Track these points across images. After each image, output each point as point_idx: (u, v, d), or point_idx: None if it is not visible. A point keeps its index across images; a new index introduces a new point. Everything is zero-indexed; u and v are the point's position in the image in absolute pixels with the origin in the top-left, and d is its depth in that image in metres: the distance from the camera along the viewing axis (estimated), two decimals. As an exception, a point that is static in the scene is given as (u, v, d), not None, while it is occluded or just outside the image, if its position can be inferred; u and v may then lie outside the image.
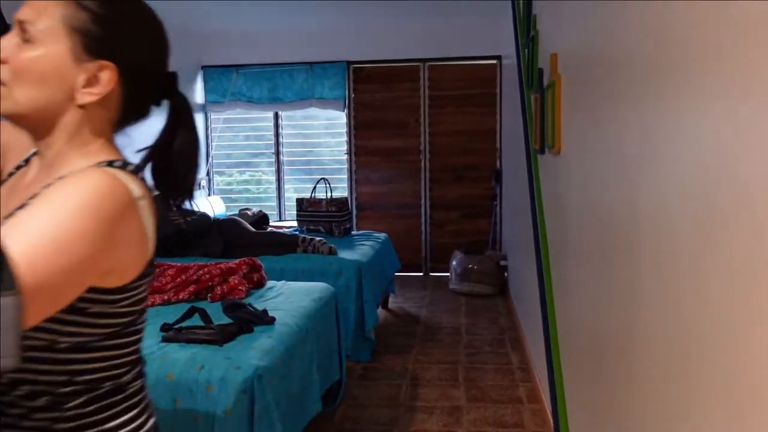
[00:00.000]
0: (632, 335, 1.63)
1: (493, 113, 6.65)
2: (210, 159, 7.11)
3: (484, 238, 6.73)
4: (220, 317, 2.77)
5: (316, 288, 3.42)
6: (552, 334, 2.99)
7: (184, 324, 2.65)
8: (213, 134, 7.10)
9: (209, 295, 3.19)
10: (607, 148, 1.93)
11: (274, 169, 7.05)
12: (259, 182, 7.34)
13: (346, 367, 3.58)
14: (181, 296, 3.17)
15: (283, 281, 3.58)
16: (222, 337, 2.45)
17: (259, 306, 3.00)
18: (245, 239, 4.60)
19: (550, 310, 3.05)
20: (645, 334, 1.52)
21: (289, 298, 3.18)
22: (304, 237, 4.54)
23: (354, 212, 6.91)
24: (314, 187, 5.41)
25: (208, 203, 6.60)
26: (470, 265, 5.91)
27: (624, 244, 1.71)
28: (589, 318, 2.19)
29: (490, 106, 6.66)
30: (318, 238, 4.52)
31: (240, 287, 3.23)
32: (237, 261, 3.46)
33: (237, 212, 5.62)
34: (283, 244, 4.53)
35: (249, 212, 5.40)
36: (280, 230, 5.33)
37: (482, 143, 6.70)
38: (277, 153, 7.00)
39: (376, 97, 6.79)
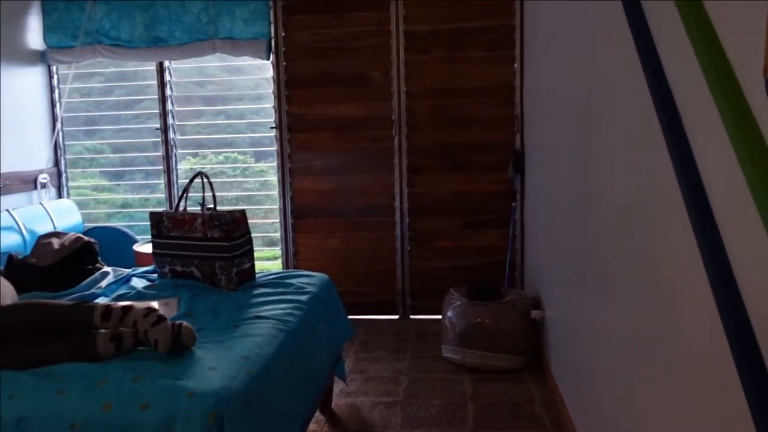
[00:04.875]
0: None
1: (508, 59, 4.09)
2: (56, 135, 4.47)
3: (497, 261, 4.20)
4: None
5: None
6: None
7: None
8: (61, 98, 4.46)
9: None
10: None
11: (160, 154, 4.44)
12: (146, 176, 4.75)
13: None
14: None
15: None
16: None
17: None
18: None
19: None
20: None
21: None
22: (108, 306, 1.96)
23: (288, 222, 4.34)
24: (184, 190, 2.83)
25: (46, 213, 4.00)
26: (478, 319, 3.37)
27: None
28: None
29: (504, 47, 4.09)
30: (149, 310, 1.93)
31: None
32: None
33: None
34: (60, 328, 1.95)
35: (55, 241, 2.80)
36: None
37: (491, 108, 4.14)
38: (165, 128, 4.38)
39: (322, 36, 4.20)
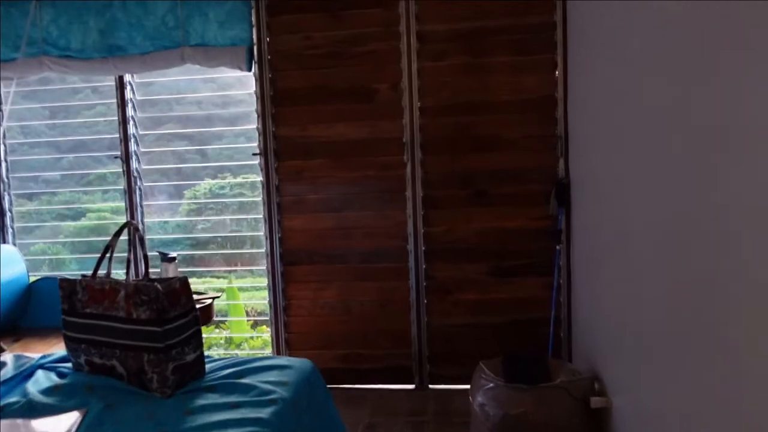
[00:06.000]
0: None
1: (547, 65, 3.26)
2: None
3: (536, 318, 3.34)
4: None
5: None
6: None
7: None
8: (2, 121, 3.70)
9: None
10: None
11: (122, 187, 3.65)
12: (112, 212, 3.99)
13: None
14: None
15: None
16: None
17: None
18: None
19: None
20: None
21: None
22: None
23: (276, 269, 3.52)
24: (107, 248, 2.02)
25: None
26: (519, 409, 2.51)
27: None
28: None
29: (541, 50, 3.26)
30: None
31: None
32: None
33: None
34: None
35: None
36: None
37: (527, 126, 3.31)
38: (126, 156, 3.60)
39: (315, 41, 3.40)
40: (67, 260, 4.06)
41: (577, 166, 3.09)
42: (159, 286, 1.85)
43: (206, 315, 3.06)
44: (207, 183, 4.43)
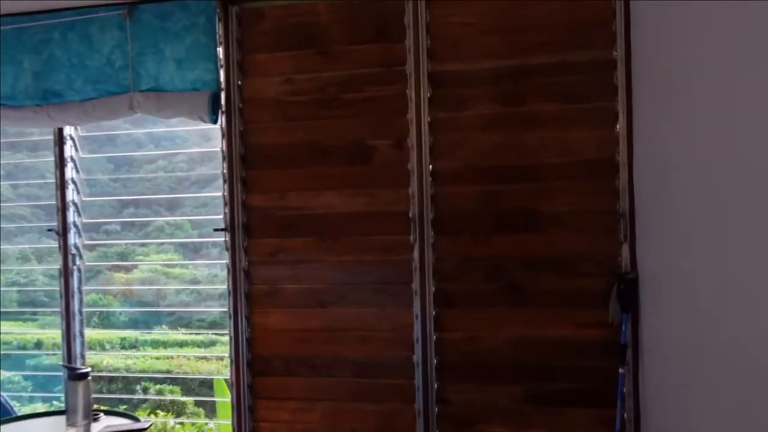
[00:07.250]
0: None
1: (605, 116, 2.39)
2: None
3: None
4: None
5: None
6: None
7: None
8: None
9: None
10: None
11: (57, 266, 2.90)
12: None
13: None
14: None
15: None
16: None
17: None
18: None
19: None
20: None
21: None
22: None
23: (243, 380, 2.68)
24: None
25: None
26: None
27: None
28: None
29: (595, 98, 2.41)
30: None
31: None
32: None
33: None
34: None
35: None
36: None
37: (576, 199, 2.43)
38: (64, 228, 2.86)
39: (300, 85, 2.64)
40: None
41: (651, 254, 2.20)
42: None
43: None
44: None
